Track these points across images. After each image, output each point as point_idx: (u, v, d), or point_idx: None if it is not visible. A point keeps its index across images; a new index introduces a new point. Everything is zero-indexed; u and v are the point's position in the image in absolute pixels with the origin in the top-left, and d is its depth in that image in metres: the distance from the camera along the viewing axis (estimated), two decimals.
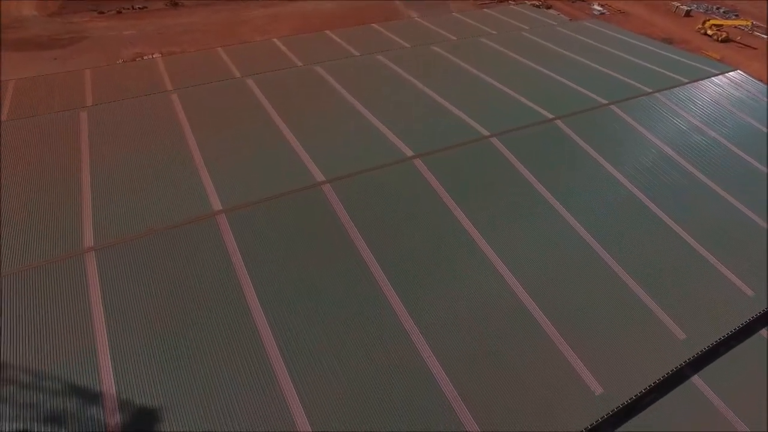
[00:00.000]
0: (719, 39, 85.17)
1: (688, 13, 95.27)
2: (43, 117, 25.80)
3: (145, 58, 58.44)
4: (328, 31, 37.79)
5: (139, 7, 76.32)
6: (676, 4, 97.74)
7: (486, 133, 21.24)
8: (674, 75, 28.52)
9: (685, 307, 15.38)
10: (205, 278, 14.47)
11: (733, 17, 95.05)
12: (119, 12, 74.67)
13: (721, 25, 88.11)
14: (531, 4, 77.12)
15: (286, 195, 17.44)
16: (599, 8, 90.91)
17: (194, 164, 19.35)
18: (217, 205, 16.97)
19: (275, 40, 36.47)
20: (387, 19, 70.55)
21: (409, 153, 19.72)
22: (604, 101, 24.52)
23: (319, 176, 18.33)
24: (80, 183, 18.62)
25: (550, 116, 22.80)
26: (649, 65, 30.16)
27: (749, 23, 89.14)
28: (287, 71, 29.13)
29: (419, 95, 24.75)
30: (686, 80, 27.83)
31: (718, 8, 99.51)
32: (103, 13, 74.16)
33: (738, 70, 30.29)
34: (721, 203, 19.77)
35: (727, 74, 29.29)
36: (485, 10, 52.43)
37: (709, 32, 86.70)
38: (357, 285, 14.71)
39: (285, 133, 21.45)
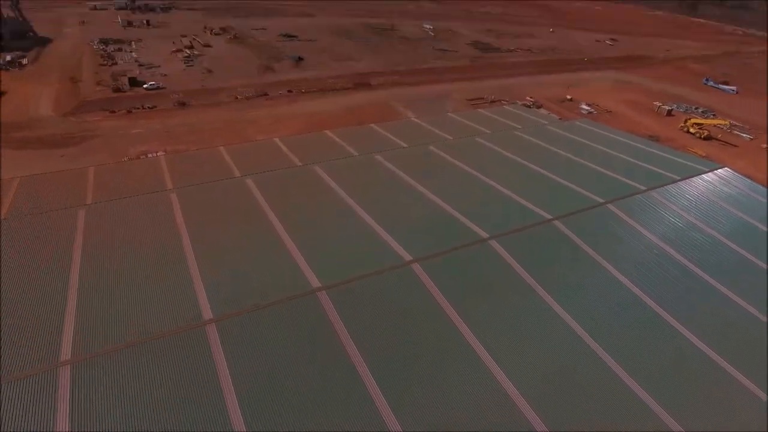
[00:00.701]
0: (702, 137, 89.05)
1: (669, 113, 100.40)
2: (40, 216, 25.78)
3: (149, 156, 60.26)
4: (327, 131, 39.03)
5: (148, 107, 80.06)
6: (658, 104, 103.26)
7: (485, 235, 21.01)
8: (666, 172, 29.00)
9: (694, 414, 14.26)
10: (189, 395, 13.46)
11: (711, 116, 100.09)
12: (129, 111, 78.23)
13: (702, 124, 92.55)
14: (522, 104, 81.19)
15: (280, 303, 16.80)
16: (587, 107, 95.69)
17: (187, 268, 18.88)
18: (207, 313, 16.28)
19: (276, 139, 37.54)
20: (385, 118, 73.81)
21: (407, 257, 19.34)
22: (601, 200, 24.61)
23: (315, 282, 17.79)
24: (67, 286, 18.06)
25: (548, 216, 22.72)
26: (640, 163, 30.80)
27: (727, 122, 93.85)
28: (286, 171, 29.60)
29: (417, 196, 24.89)
30: (678, 177, 28.25)
31: (696, 108, 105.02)
32: (114, 112, 77.69)
33: (726, 168, 30.91)
34: (721, 299, 19.24)
35: (716, 171, 29.84)
36: (479, 110, 54.84)
37: (692, 130, 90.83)
38: (349, 399, 13.69)
39: (281, 235, 21.21)
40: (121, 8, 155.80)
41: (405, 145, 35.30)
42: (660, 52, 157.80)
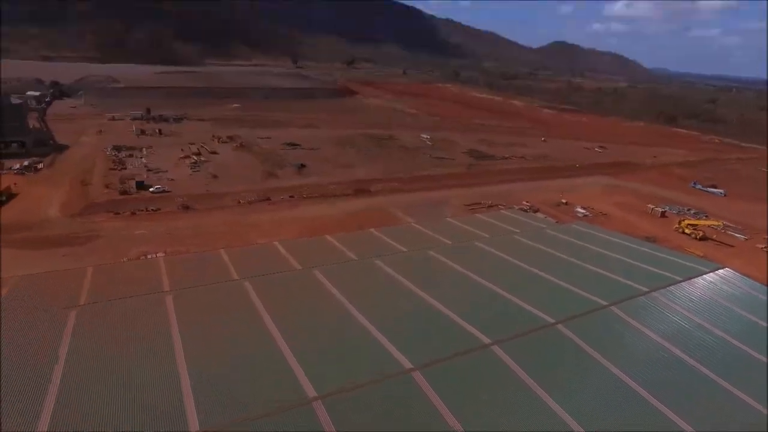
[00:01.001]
0: (697, 237, 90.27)
1: (663, 214, 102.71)
2: (31, 315, 25.17)
3: (149, 257, 60.37)
4: (327, 236, 39.43)
5: (152, 209, 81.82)
6: (651, 206, 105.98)
7: (487, 341, 20.40)
8: (667, 273, 28.92)
9: None
10: None
11: (704, 218, 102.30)
12: (134, 213, 79.84)
13: (697, 225, 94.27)
14: (519, 209, 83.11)
15: (273, 414, 15.83)
16: (582, 211, 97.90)
17: (176, 374, 18.05)
18: (194, 424, 15.27)
19: (276, 243, 37.79)
20: (385, 224, 75.07)
21: (408, 365, 18.59)
22: (603, 302, 24.26)
23: (311, 391, 16.92)
24: (47, 390, 17.20)
25: (551, 320, 22.24)
26: (640, 264, 30.78)
27: (720, 223, 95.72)
28: (285, 274, 29.46)
29: (417, 301, 24.52)
30: (680, 278, 28.11)
31: (689, 210, 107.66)
32: (119, 214, 79.29)
33: (726, 268, 30.88)
34: (727, 397, 18.53)
35: (717, 272, 29.78)
36: (477, 215, 55.98)
37: (687, 231, 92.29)
38: None
39: (277, 340, 20.57)
40: (136, 119, 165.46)
41: (405, 249, 35.48)
42: (646, 159, 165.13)
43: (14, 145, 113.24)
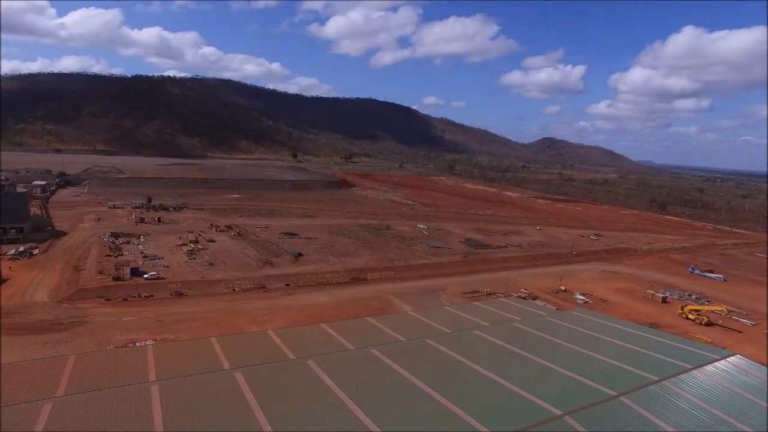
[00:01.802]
0: (702, 323, 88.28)
1: (664, 300, 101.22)
2: (3, 408, 23.53)
3: (137, 344, 58.13)
4: (323, 324, 38.32)
5: (145, 296, 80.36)
6: (651, 291, 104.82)
7: None
8: (676, 361, 27.78)
9: None
10: None
11: (706, 303, 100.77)
12: (125, 299, 78.25)
13: (700, 310, 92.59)
14: (518, 296, 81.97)
15: None
16: (582, 297, 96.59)
17: None
18: None
19: (270, 331, 36.61)
20: (381, 311, 73.61)
21: None
22: (612, 392, 23.03)
23: None
24: None
25: (558, 412, 20.96)
26: (647, 351, 29.63)
27: (724, 308, 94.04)
28: (278, 364, 28.17)
29: (415, 392, 23.26)
30: (690, 366, 26.96)
31: (689, 295, 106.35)
32: (109, 300, 77.66)
33: (737, 354, 29.78)
34: None
35: (728, 359, 28.66)
36: (476, 302, 54.99)
37: (691, 317, 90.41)
38: None
39: None
40: (137, 207, 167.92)
41: (402, 338, 34.32)
42: (642, 245, 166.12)
43: (12, 231, 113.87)
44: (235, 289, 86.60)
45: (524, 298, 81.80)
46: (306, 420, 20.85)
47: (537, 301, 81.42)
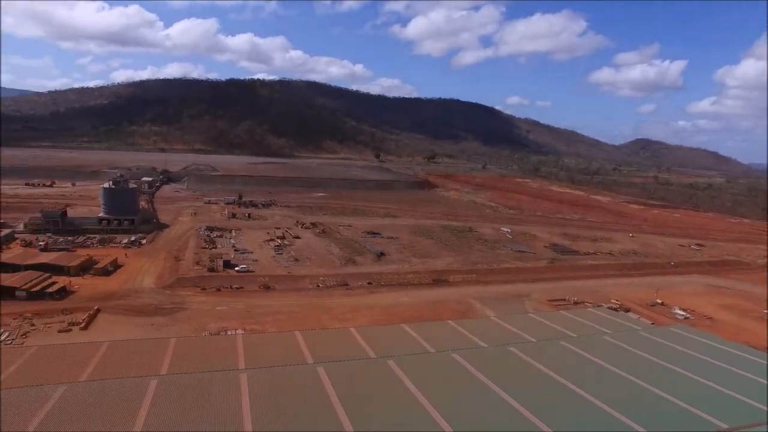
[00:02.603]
0: None
1: None
2: (114, 382, 25.90)
3: (228, 332, 61.64)
4: (404, 324, 38.44)
5: (236, 287, 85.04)
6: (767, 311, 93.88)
7: None
8: None
9: None
10: None
11: None
12: (218, 290, 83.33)
13: None
14: (608, 307, 77.20)
15: None
16: (682, 312, 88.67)
17: None
18: None
19: (352, 329, 37.33)
20: (462, 315, 72.39)
21: None
22: (723, 425, 20.86)
23: None
24: None
25: None
26: (763, 381, 26.61)
27: None
28: (359, 362, 28.62)
29: (495, 399, 22.59)
30: None
31: None
32: (204, 289, 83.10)
33: None
34: None
35: None
36: (561, 311, 52.66)
37: None
38: None
39: (345, 429, 19.50)
40: (229, 203, 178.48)
41: (483, 344, 33.56)
42: (756, 258, 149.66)
43: (125, 222, 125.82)
44: (319, 286, 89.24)
45: (615, 310, 76.91)
46: (383, 419, 20.92)
47: (630, 314, 76.18)
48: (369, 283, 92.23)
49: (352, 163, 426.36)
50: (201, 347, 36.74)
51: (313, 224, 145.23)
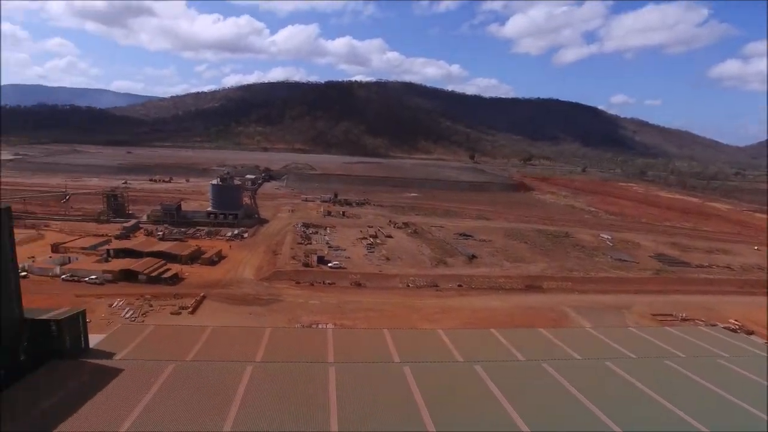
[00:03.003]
0: None
1: None
2: (215, 364, 28.09)
3: (319, 326, 64.11)
4: (493, 329, 37.58)
5: (328, 282, 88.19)
6: None
7: None
8: None
9: None
10: None
11: None
12: (312, 284, 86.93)
13: None
14: (725, 327, 69.84)
15: None
16: None
17: None
18: None
19: (439, 330, 37.15)
20: (556, 324, 69.29)
21: None
22: None
23: None
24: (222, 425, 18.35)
25: None
26: None
27: None
28: (446, 364, 28.42)
29: (586, 415, 21.33)
30: None
31: None
32: (299, 283, 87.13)
33: None
34: None
35: None
36: (667, 327, 48.46)
37: None
38: None
39: (428, 430, 19.47)
40: (325, 201, 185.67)
41: (577, 356, 31.82)
42: None
43: (230, 216, 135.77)
44: (409, 285, 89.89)
45: (734, 331, 69.33)
46: (466, 423, 20.60)
47: (753, 337, 68.27)
48: (459, 286, 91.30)
49: (445, 164, 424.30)
50: (293, 338, 38.49)
51: (405, 224, 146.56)
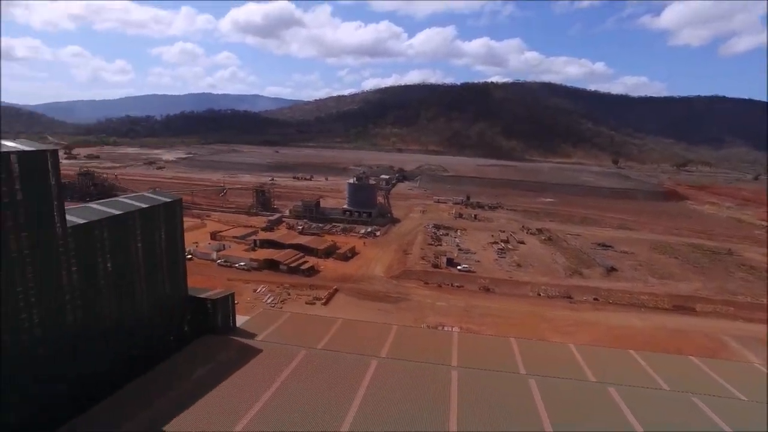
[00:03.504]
0: None
1: None
2: (343, 355, 29.61)
3: (445, 328, 64.06)
4: (632, 351, 34.37)
5: (456, 285, 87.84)
6: None
7: None
8: None
9: None
10: None
11: None
12: (439, 286, 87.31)
13: None
14: None
15: None
16: None
17: None
18: None
19: (571, 345, 35.02)
20: (711, 354, 61.03)
21: None
22: None
23: None
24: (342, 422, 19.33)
25: None
26: None
27: None
28: (576, 383, 26.64)
29: None
30: None
31: None
32: (427, 284, 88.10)
33: None
34: None
35: None
36: None
37: None
38: None
39: None
40: (457, 203, 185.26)
41: (740, 395, 27.65)
42: None
43: (364, 215, 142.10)
44: (540, 294, 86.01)
45: None
46: None
47: None
48: (595, 299, 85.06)
49: (585, 168, 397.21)
50: (419, 338, 39.02)
51: (539, 230, 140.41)
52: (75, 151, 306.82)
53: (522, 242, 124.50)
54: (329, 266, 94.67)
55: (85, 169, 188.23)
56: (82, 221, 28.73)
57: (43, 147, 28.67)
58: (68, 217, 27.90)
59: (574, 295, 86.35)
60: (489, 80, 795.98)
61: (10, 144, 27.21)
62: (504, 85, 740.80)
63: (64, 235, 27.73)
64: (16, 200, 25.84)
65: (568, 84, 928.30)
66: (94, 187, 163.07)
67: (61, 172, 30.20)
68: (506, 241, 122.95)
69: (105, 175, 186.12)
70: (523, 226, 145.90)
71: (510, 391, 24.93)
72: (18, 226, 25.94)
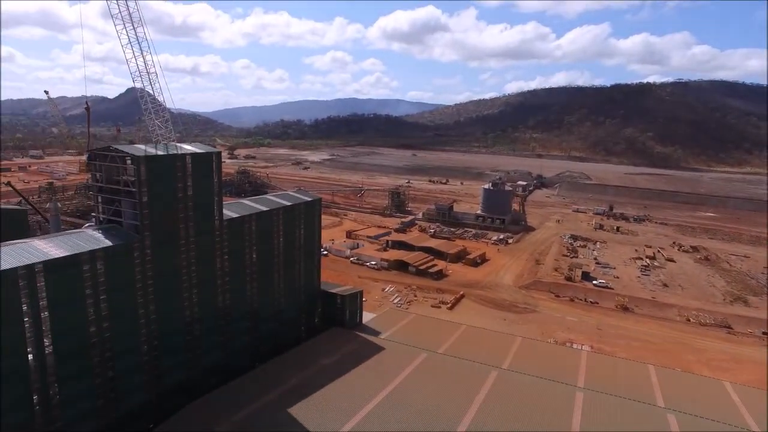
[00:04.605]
0: None
1: None
2: (463, 361, 29.60)
3: (574, 345, 59.81)
4: None
5: (590, 301, 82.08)
6: None
7: None
8: None
9: None
10: None
11: None
12: (571, 300, 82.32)
13: None
14: None
15: None
16: None
17: None
18: None
19: (726, 383, 30.96)
20: None
21: None
22: None
23: None
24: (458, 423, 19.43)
25: None
26: None
27: None
28: (726, 426, 23.47)
29: None
30: None
31: None
32: (558, 297, 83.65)
33: None
34: None
35: None
36: None
37: None
38: None
39: None
40: (598, 213, 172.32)
41: None
42: None
43: (497, 221, 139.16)
44: (689, 320, 76.65)
45: None
46: None
47: None
48: (765, 333, 73.45)
49: (760, 179, 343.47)
50: (544, 353, 37.56)
51: (694, 248, 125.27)
52: (236, 152, 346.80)
53: (671, 260, 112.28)
54: (458, 271, 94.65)
55: (243, 168, 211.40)
56: (235, 215, 32.65)
57: (210, 149, 33.19)
58: (224, 211, 31.86)
59: (735, 325, 75.77)
60: (644, 81, 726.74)
61: (186, 147, 32.30)
62: (663, 86, 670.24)
63: (221, 226, 31.78)
64: (188, 194, 30.50)
65: (747, 81, 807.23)
66: (249, 185, 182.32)
67: (224, 170, 34.92)
68: (652, 258, 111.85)
69: (259, 174, 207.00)
70: (674, 242, 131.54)
71: (643, 424, 22.97)
72: (188, 217, 30.57)
